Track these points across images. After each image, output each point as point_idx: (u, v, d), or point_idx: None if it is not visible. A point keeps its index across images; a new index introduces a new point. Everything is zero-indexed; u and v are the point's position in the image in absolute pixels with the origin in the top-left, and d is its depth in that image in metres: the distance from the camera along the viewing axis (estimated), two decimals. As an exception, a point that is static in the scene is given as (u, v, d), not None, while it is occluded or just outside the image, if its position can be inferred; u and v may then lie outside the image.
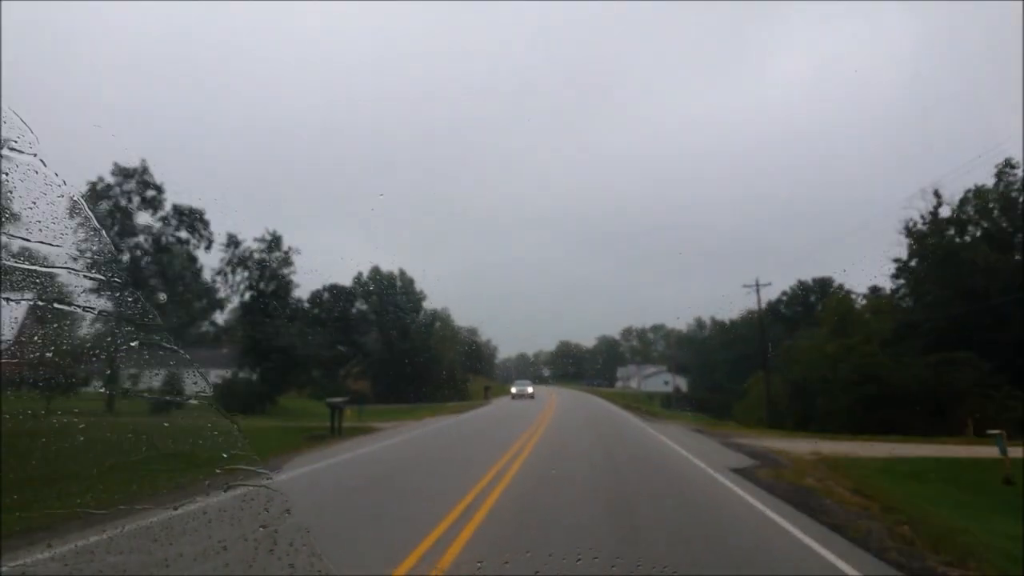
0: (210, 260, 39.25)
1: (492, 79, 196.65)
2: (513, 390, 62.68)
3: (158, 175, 34.97)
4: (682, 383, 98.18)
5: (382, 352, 58.46)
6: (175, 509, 6.39)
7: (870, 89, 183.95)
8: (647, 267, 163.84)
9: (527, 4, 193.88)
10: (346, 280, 59.03)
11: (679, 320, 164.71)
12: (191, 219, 34.45)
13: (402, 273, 58.94)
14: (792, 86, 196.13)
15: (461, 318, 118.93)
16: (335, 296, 56.68)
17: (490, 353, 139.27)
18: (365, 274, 58.41)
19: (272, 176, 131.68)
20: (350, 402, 27.83)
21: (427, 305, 61.66)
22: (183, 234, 35.07)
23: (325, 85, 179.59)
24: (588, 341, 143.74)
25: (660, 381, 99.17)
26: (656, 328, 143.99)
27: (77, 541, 7.16)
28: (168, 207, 35.28)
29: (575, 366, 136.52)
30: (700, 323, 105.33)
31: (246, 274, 39.10)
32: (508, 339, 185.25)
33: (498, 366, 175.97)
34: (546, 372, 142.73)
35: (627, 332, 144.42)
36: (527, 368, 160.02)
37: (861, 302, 58.11)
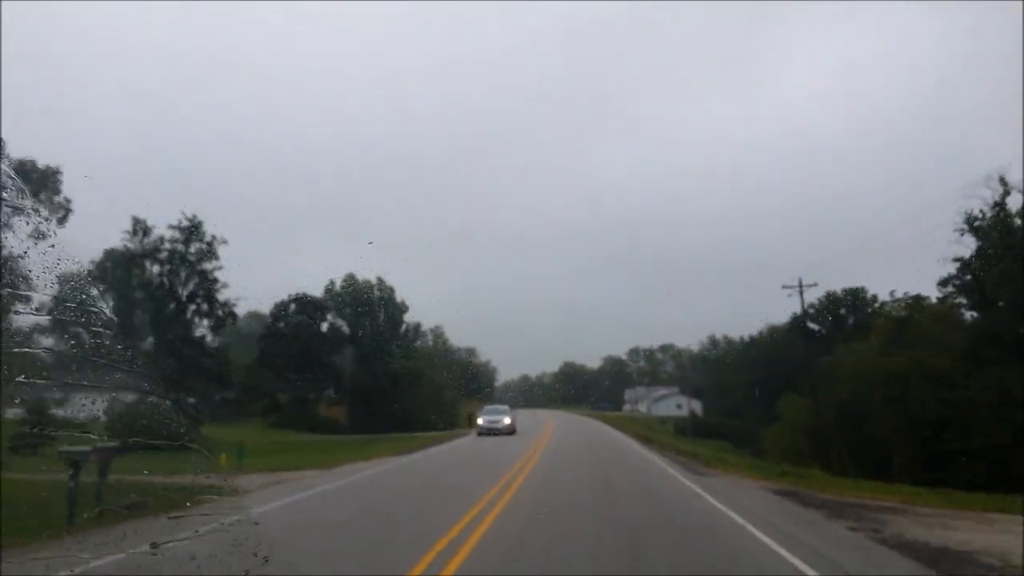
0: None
1: (493, 95, 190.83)
2: (480, 421, 45.36)
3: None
4: (696, 406, 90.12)
5: (357, 373, 50.80)
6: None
7: (893, 91, 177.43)
8: (655, 285, 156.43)
9: (528, 16, 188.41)
10: (319, 291, 51.50)
11: (691, 339, 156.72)
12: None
13: (381, 282, 51.54)
14: (808, 92, 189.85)
15: (459, 338, 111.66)
16: (302, 308, 49.16)
17: (489, 375, 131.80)
18: (338, 283, 50.92)
19: (262, 186, 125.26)
20: (117, 449, 10.05)
21: (417, 320, 54.02)
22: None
23: (322, 101, 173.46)
24: (593, 362, 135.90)
25: (672, 404, 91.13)
26: (665, 348, 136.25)
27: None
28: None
29: (580, 388, 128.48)
30: (714, 341, 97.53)
31: (156, 268, 31.54)
32: (510, 361, 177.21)
33: (499, 389, 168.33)
34: (544, 394, 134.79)
35: (634, 352, 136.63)
36: (530, 390, 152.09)
37: (902, 312, 50.53)
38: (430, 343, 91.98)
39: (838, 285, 69.85)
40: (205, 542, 5.70)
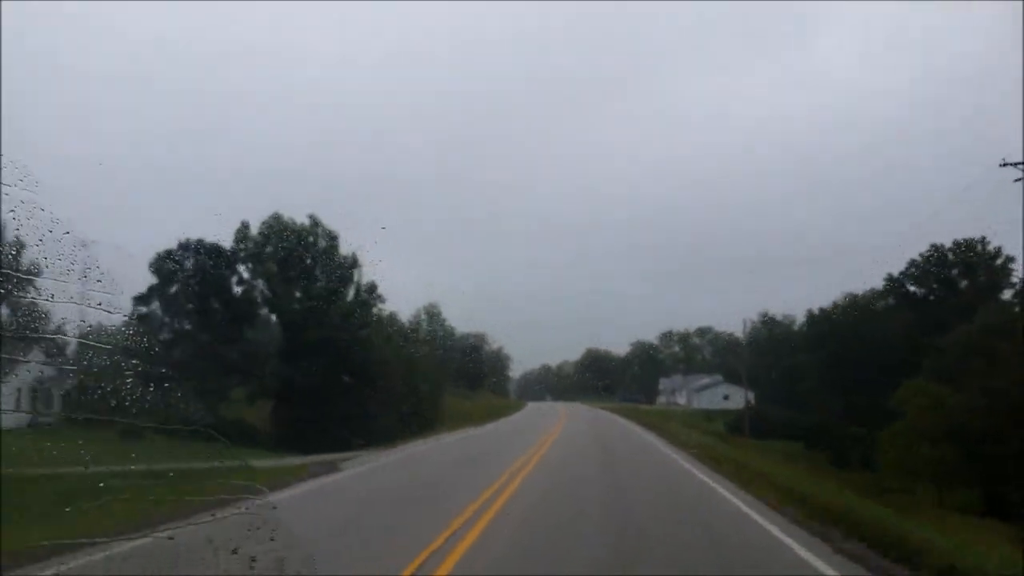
0: None
1: (516, 80, 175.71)
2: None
3: None
4: (748, 397, 73.90)
5: (280, 360, 35.75)
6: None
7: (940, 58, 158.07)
8: (688, 270, 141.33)
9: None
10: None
11: (730, 322, 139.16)
12: None
13: (316, 224, 36.07)
14: (847, 62, 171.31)
15: (474, 326, 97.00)
16: (205, 258, 34.22)
17: (501, 364, 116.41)
18: (256, 226, 35.61)
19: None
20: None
21: (370, 280, 38.56)
22: None
23: (332, 88, 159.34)
24: (620, 348, 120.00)
25: (716, 395, 74.96)
26: (703, 331, 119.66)
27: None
28: None
29: (605, 378, 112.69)
30: (766, 320, 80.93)
31: None
32: (531, 350, 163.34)
33: (513, 380, 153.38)
34: (564, 385, 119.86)
35: (666, 337, 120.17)
36: (549, 382, 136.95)
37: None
38: (425, 326, 77.03)
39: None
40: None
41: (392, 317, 50.80)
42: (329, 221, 36.48)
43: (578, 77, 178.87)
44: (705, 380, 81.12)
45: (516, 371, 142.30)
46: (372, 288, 38.12)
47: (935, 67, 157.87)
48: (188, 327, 34.43)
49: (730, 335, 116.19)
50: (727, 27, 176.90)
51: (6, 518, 7.56)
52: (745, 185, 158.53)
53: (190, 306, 34.75)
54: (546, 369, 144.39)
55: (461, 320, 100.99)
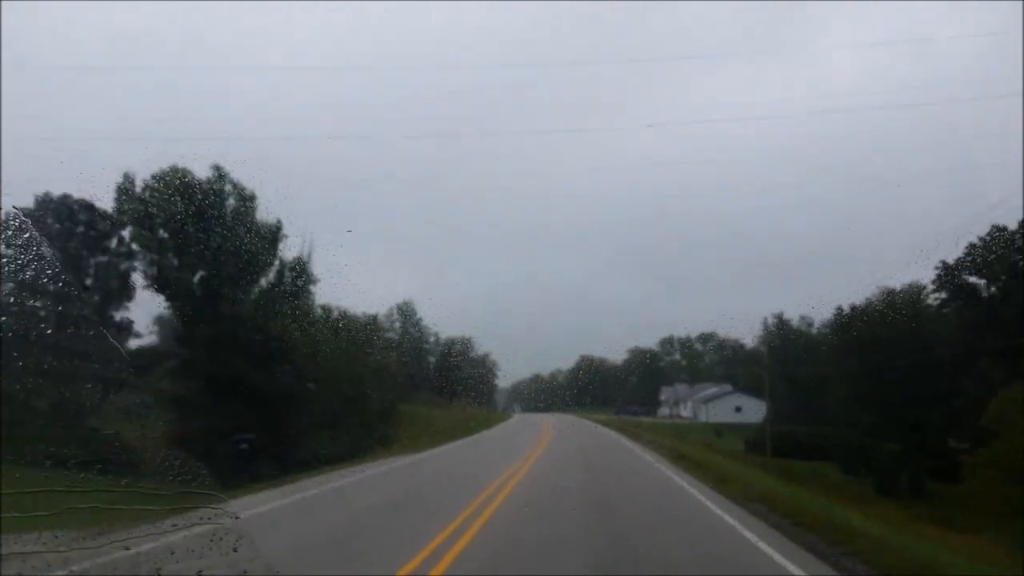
0: None
1: (509, 76, 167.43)
2: None
3: None
4: (760, 409, 65.40)
5: (170, 361, 27.29)
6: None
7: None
8: (688, 274, 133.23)
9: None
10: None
11: (736, 328, 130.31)
12: None
13: (222, 176, 27.46)
14: (858, 61, 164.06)
15: (458, 330, 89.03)
16: (72, 221, 25.84)
17: (487, 371, 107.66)
18: (140, 180, 26.95)
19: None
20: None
21: (296, 254, 29.84)
22: None
23: (321, 88, 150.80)
24: (617, 355, 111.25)
25: (727, 407, 66.33)
26: (706, 337, 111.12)
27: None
28: None
29: (601, 387, 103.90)
30: (781, 324, 72.28)
31: None
32: (522, 358, 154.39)
33: (505, 391, 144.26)
34: (556, 395, 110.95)
35: (667, 343, 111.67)
36: (540, 392, 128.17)
37: None
38: (397, 326, 68.54)
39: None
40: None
41: (346, 316, 42.26)
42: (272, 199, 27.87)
43: (572, 79, 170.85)
44: (712, 390, 72.60)
45: (506, 380, 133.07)
46: (301, 268, 29.50)
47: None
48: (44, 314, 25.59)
49: (735, 341, 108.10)
50: (732, 25, 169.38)
51: None
52: (747, 185, 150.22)
53: (52, 285, 25.85)
54: (537, 379, 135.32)
55: (445, 324, 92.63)
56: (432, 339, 68.46)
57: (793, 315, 70.82)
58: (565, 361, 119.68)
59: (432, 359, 68.62)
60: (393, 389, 48.91)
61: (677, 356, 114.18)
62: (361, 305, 60.68)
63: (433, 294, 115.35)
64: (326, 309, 39.96)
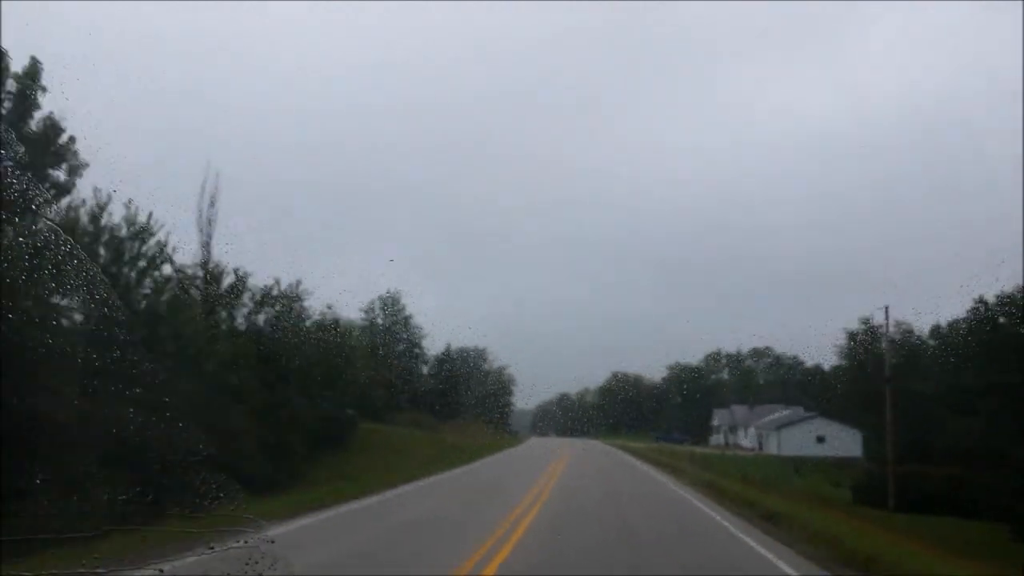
0: None
1: (532, 89, 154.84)
2: None
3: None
4: (852, 439, 49.58)
5: None
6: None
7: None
8: (732, 288, 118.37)
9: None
10: None
11: (804, 338, 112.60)
12: None
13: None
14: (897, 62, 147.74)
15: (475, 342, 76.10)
16: None
17: (503, 387, 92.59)
18: None
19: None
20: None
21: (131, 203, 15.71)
22: None
23: (327, 98, 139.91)
24: (655, 372, 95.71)
25: (804, 435, 50.36)
26: (759, 352, 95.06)
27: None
28: None
29: (636, 409, 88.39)
30: (870, 331, 56.48)
31: None
32: (547, 377, 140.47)
33: (530, 412, 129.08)
34: (583, 417, 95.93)
35: (713, 358, 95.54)
36: (566, 413, 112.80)
37: None
38: (379, 323, 54.11)
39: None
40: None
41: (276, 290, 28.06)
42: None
43: (599, 83, 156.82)
44: (781, 413, 56.74)
45: (530, 400, 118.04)
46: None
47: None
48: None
49: (793, 358, 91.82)
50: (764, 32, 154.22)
51: None
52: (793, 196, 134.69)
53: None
54: (564, 398, 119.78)
55: (462, 338, 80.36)
56: (425, 341, 53.98)
57: (893, 318, 54.77)
58: (595, 380, 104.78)
59: (425, 368, 54.22)
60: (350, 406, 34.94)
61: (725, 375, 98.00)
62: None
63: (452, 309, 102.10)
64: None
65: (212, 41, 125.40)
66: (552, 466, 30.37)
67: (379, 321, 52.94)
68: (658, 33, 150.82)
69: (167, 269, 20.72)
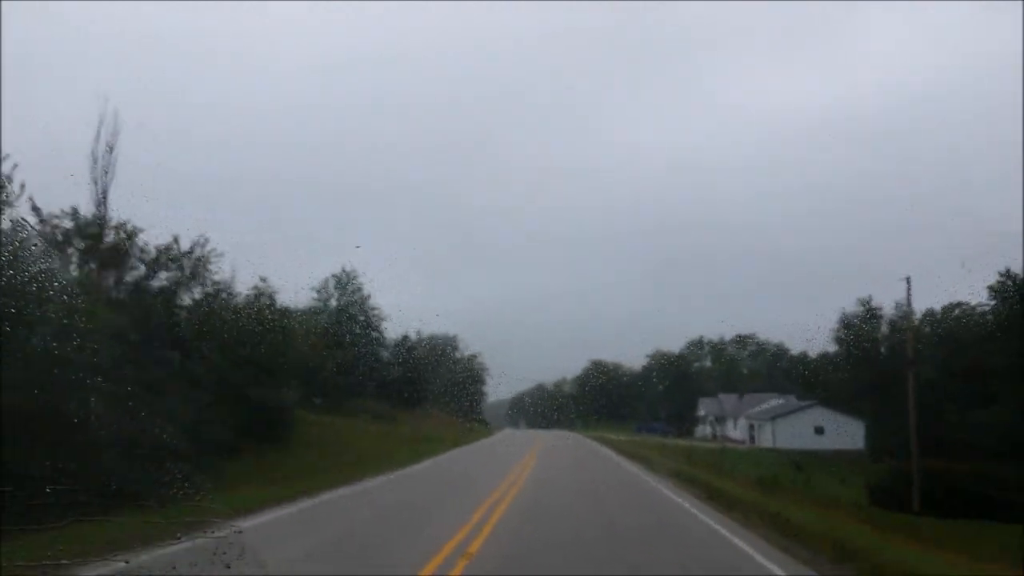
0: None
1: (515, 85, 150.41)
2: None
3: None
4: (846, 429, 45.23)
5: None
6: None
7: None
8: (712, 282, 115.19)
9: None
10: None
11: (789, 327, 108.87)
12: None
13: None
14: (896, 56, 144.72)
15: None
16: None
17: (475, 376, 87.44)
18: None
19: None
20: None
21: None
22: None
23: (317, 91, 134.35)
24: (635, 360, 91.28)
25: (801, 426, 45.81)
26: (743, 340, 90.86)
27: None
28: None
29: (616, 399, 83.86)
30: (869, 311, 52.36)
31: None
32: (522, 367, 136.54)
33: (505, 403, 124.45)
34: (559, 409, 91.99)
35: (695, 346, 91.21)
36: (543, 404, 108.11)
37: None
38: (332, 304, 48.43)
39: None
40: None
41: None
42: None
43: (581, 77, 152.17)
44: (773, 402, 52.18)
45: (506, 391, 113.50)
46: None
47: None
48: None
49: (778, 345, 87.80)
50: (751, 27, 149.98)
51: None
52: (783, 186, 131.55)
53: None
54: (540, 389, 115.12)
55: (429, 323, 76.31)
56: (387, 325, 48.49)
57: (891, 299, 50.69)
58: (573, 371, 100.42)
59: (387, 354, 48.80)
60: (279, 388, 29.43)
61: (708, 363, 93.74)
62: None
63: (424, 299, 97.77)
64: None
65: (210, 39, 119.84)
66: (517, 468, 25.42)
67: (333, 303, 47.42)
68: (655, 34, 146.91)
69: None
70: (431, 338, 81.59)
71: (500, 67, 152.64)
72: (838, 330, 55.73)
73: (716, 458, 31.08)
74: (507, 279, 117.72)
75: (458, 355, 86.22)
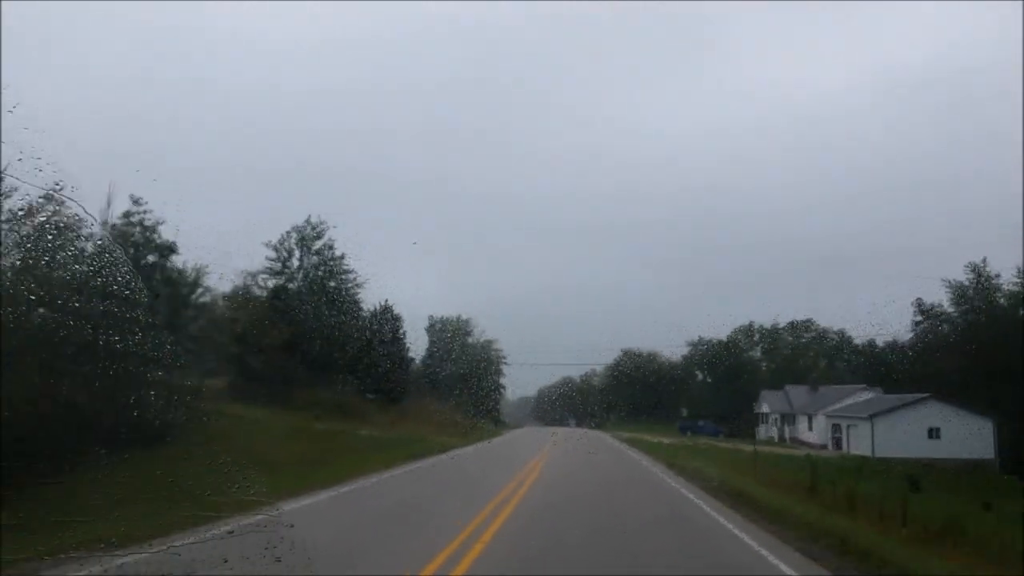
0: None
1: (543, 63, 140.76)
2: None
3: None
4: (971, 430, 33.64)
5: None
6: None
7: None
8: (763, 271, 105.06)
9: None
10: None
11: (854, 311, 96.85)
12: None
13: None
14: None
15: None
16: None
17: (490, 366, 76.69)
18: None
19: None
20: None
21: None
22: None
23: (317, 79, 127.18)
24: (674, 348, 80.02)
25: (911, 425, 34.01)
26: (797, 326, 78.85)
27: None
28: None
29: (650, 393, 72.83)
30: (982, 278, 40.83)
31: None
32: (548, 360, 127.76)
33: (530, 400, 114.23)
34: (584, 404, 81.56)
35: (745, 332, 79.32)
36: (569, 399, 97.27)
37: None
38: (295, 264, 37.99)
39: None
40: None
41: None
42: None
43: (611, 51, 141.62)
44: (863, 396, 40.14)
45: (532, 384, 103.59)
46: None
47: None
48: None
49: (840, 332, 75.73)
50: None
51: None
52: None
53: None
54: (567, 382, 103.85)
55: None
56: (359, 292, 37.75)
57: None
58: (602, 362, 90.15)
59: (356, 334, 38.14)
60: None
61: (758, 353, 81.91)
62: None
63: (453, 294, 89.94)
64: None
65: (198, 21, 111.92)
66: (503, 491, 14.66)
67: (295, 263, 37.06)
68: (666, 12, 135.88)
69: None
70: (442, 320, 71.06)
71: (510, 53, 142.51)
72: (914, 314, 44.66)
73: (822, 474, 19.84)
74: (526, 270, 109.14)
75: (471, 340, 75.88)
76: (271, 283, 35.98)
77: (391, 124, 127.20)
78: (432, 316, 70.13)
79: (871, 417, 34.60)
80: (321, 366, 35.35)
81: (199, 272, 26.64)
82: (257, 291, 35.24)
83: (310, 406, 32.01)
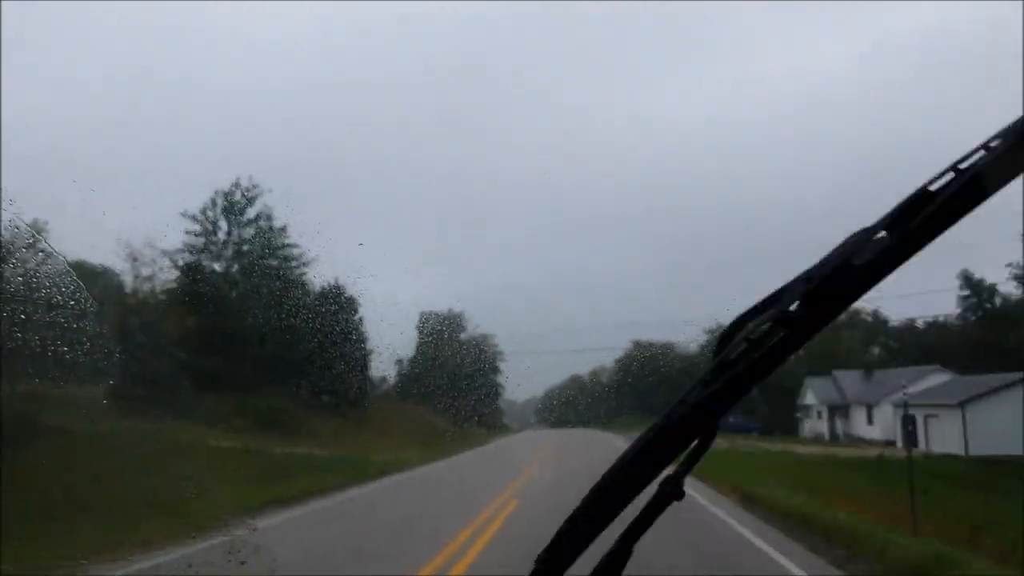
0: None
1: (548, 55, 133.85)
2: None
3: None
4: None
5: None
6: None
7: None
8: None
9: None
10: None
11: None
12: None
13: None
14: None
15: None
16: None
17: (485, 362, 69.05)
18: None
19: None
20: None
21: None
22: None
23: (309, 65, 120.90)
24: (692, 336, 72.10)
25: (1008, 414, 26.41)
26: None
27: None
28: None
29: (665, 387, 64.67)
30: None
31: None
32: (554, 358, 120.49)
33: (535, 401, 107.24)
34: (591, 404, 73.49)
35: (767, 316, 71.34)
36: (577, 398, 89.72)
37: None
38: (219, 233, 30.48)
39: None
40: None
41: None
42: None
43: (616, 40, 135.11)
44: (937, 378, 32.35)
45: (535, 387, 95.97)
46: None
47: None
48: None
49: (873, 313, 68.11)
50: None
51: None
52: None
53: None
54: (575, 380, 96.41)
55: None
56: (302, 266, 30.38)
57: None
58: (612, 357, 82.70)
59: (310, 318, 30.89)
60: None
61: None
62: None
63: (450, 291, 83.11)
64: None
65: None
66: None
67: (221, 235, 29.65)
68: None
69: None
70: (427, 314, 63.70)
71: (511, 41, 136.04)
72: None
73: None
74: (529, 264, 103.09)
75: (464, 336, 68.40)
76: (181, 262, 28.65)
77: (389, 118, 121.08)
78: (423, 312, 62.71)
79: (961, 404, 26.62)
80: (265, 366, 28.08)
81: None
82: (167, 273, 27.98)
83: (234, 415, 24.71)
